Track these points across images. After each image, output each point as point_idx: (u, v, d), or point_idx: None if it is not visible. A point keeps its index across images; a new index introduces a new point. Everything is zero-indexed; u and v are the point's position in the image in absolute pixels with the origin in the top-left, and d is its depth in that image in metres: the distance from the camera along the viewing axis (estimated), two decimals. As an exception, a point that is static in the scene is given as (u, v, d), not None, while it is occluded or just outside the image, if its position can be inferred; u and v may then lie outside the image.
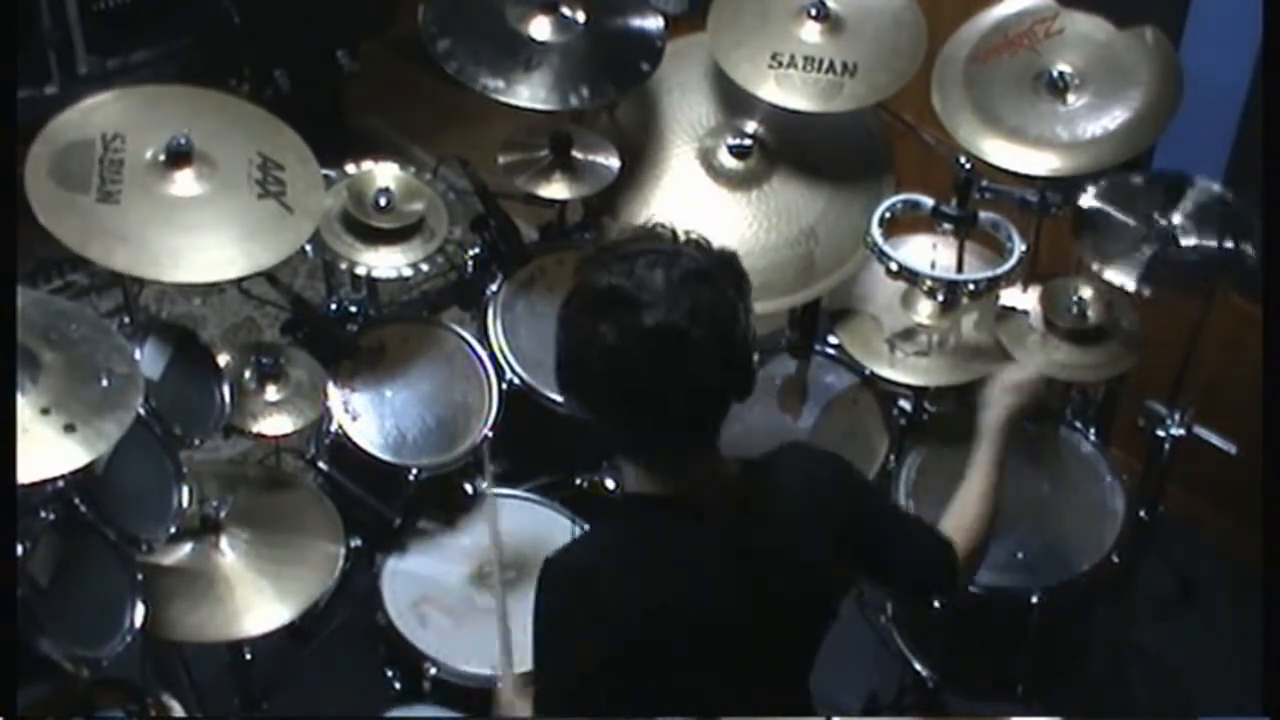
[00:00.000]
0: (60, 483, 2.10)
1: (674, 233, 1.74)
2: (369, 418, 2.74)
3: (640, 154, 2.97)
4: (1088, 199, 2.77)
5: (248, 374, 2.61)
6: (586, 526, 2.75)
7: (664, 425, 1.72)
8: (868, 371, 2.86)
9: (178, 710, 2.27)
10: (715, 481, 1.79)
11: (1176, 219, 2.73)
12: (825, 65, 2.82)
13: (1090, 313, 2.72)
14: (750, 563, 1.78)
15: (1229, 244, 2.70)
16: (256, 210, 2.45)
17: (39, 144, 2.34)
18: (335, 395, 2.71)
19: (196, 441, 2.45)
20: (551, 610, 1.77)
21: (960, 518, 2.04)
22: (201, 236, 2.39)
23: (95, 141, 2.38)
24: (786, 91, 2.81)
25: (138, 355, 2.30)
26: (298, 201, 2.49)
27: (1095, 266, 2.71)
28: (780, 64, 2.83)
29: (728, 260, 1.73)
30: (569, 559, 1.82)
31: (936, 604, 2.66)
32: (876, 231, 2.65)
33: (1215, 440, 2.88)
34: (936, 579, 2.04)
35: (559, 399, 1.79)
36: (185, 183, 2.41)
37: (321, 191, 2.58)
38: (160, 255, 2.34)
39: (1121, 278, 2.68)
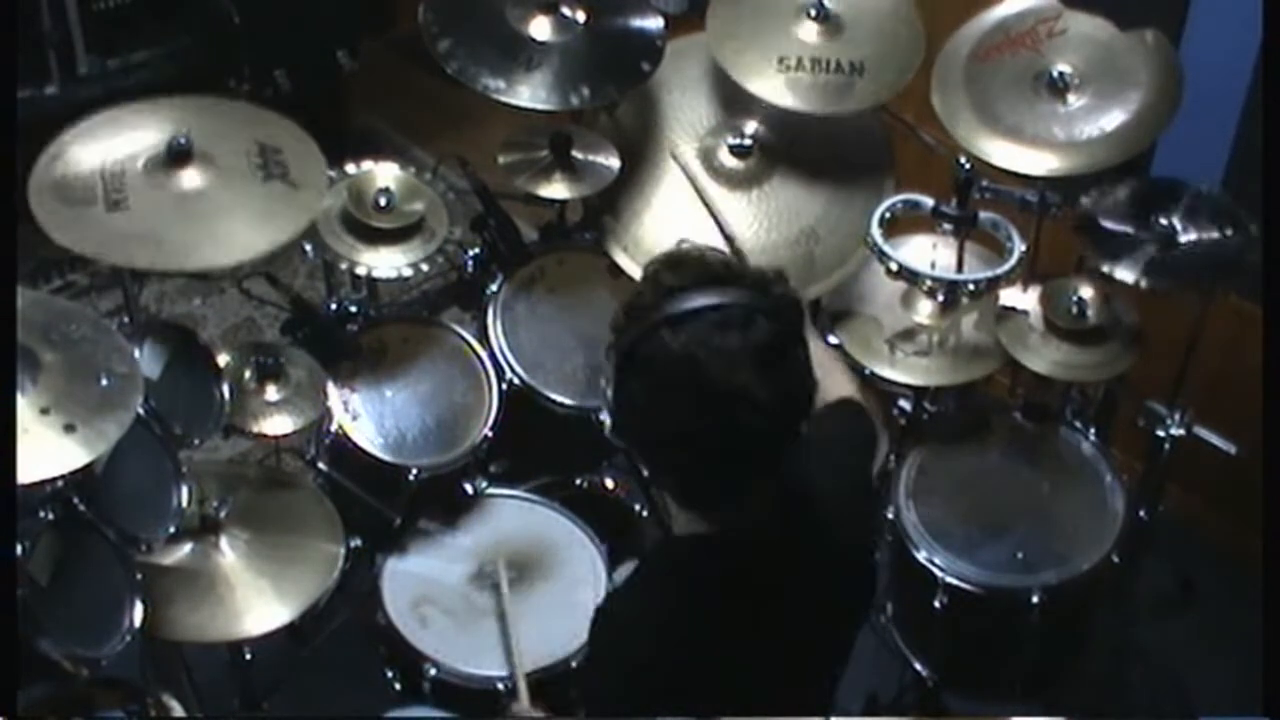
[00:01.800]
0: (60, 483, 2.10)
1: (728, 267, 1.66)
2: (369, 418, 2.74)
3: (640, 154, 2.97)
4: (1087, 204, 2.77)
5: (248, 374, 2.61)
6: (586, 526, 2.75)
7: (748, 474, 1.67)
8: (868, 371, 2.86)
9: (178, 710, 2.27)
10: (764, 511, 1.74)
11: (1175, 219, 2.73)
12: (833, 65, 2.82)
13: (1090, 313, 2.72)
14: (808, 577, 1.76)
15: (1228, 232, 2.71)
16: (264, 192, 2.47)
17: (36, 183, 2.33)
18: (335, 395, 2.71)
19: (196, 441, 2.45)
20: (613, 663, 1.74)
21: (827, 372, 2.01)
22: (215, 224, 2.40)
23: (94, 173, 2.40)
24: (798, 95, 2.81)
25: (138, 355, 2.30)
26: (302, 178, 2.51)
27: (1096, 263, 2.71)
28: (789, 67, 2.82)
29: (790, 302, 1.68)
30: (627, 612, 1.78)
31: (937, 604, 2.66)
32: (876, 231, 2.65)
33: (1215, 440, 2.88)
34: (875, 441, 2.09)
35: (609, 435, 1.73)
36: (186, 178, 2.42)
37: (323, 162, 2.59)
38: (178, 247, 2.36)
39: (1124, 273, 2.67)
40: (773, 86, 2.83)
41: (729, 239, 2.70)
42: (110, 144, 2.44)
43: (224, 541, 2.47)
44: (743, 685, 1.74)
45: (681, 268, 1.65)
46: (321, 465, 2.77)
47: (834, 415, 1.98)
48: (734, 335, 1.58)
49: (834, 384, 2.06)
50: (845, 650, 1.92)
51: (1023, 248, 2.64)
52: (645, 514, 2.86)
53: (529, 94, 2.79)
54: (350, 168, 2.86)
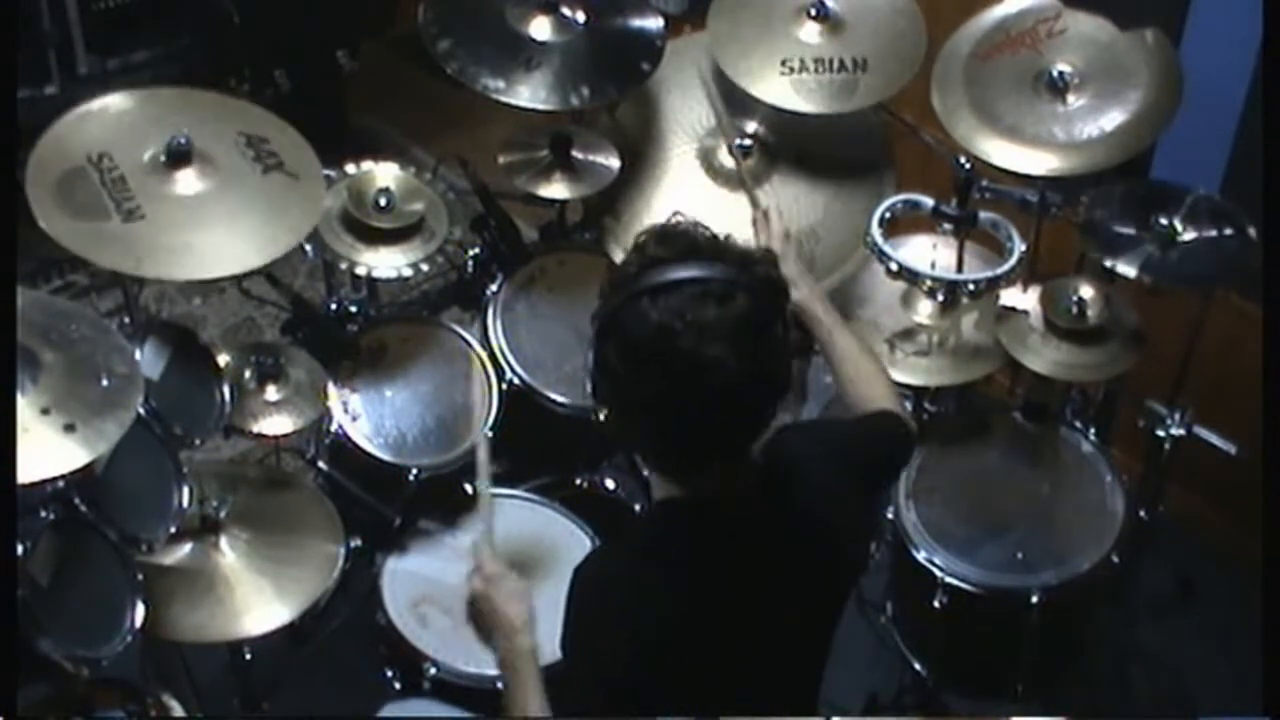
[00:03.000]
0: (60, 483, 2.10)
1: (714, 242, 1.69)
2: (369, 418, 2.74)
3: (640, 154, 2.97)
4: (1087, 201, 2.77)
5: (248, 374, 2.61)
6: (586, 526, 2.75)
7: (719, 443, 1.70)
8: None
9: (178, 710, 2.27)
10: (742, 479, 1.77)
11: (1176, 220, 2.73)
12: (836, 64, 2.82)
13: (1090, 313, 2.72)
14: (785, 550, 1.77)
15: (1227, 232, 2.71)
16: (269, 186, 2.48)
17: (33, 186, 2.31)
18: (335, 395, 2.71)
19: (196, 441, 2.45)
20: (583, 621, 1.75)
21: (866, 381, 2.06)
22: (237, 225, 2.42)
23: (84, 167, 2.38)
24: (804, 97, 2.81)
25: (138, 355, 2.30)
26: (297, 166, 2.52)
27: (1098, 257, 2.71)
28: (792, 69, 2.82)
29: (771, 282, 1.69)
30: (600, 569, 1.80)
31: (937, 604, 2.66)
32: (876, 231, 2.66)
33: (1215, 440, 2.88)
34: (906, 452, 2.10)
35: (594, 408, 1.73)
36: (193, 180, 2.43)
37: (309, 148, 2.59)
38: (213, 255, 2.38)
39: (1125, 268, 2.67)
40: (778, 90, 2.82)
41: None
42: (90, 139, 2.43)
43: (224, 541, 2.47)
44: (709, 647, 1.74)
45: (668, 241, 1.68)
46: (321, 465, 2.77)
47: (867, 419, 2.00)
48: (711, 308, 1.60)
49: (876, 395, 2.05)
50: (821, 632, 1.90)
51: (1023, 248, 2.64)
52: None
53: (529, 94, 2.79)
54: (350, 168, 2.86)
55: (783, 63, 2.84)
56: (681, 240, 1.68)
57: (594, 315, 1.68)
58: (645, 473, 1.84)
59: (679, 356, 1.59)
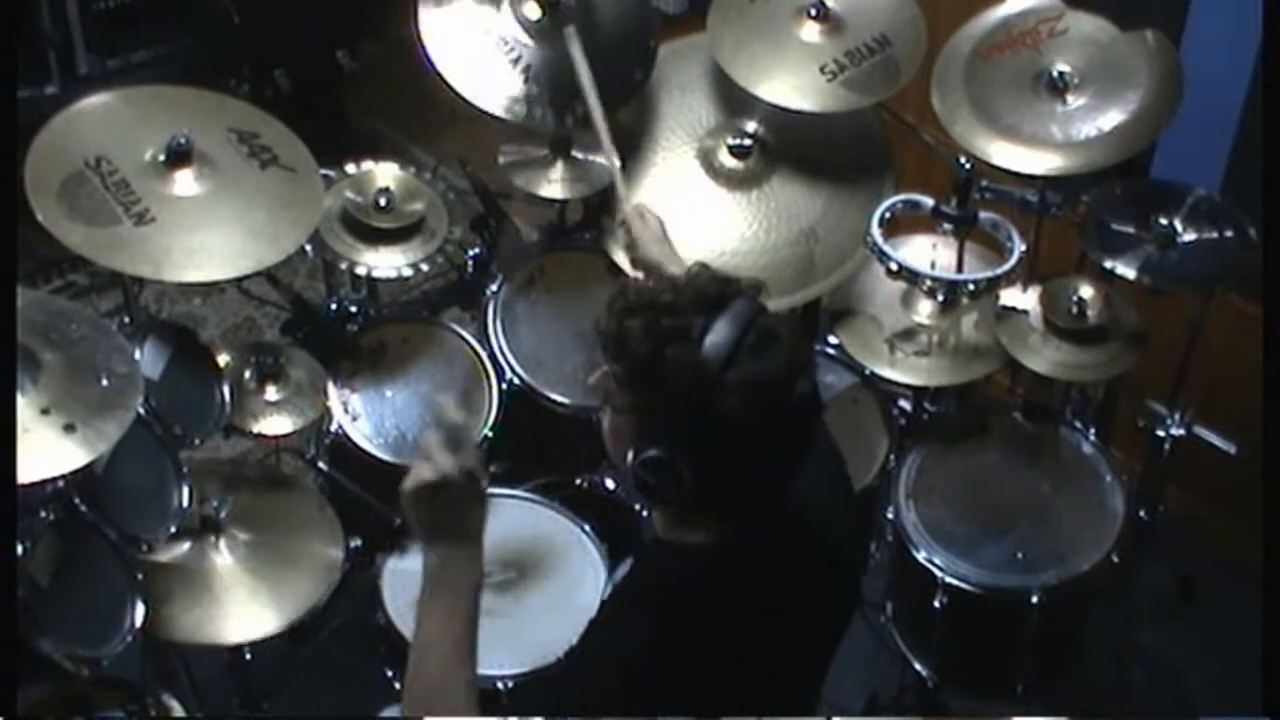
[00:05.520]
0: (60, 483, 2.10)
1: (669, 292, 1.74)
2: (369, 418, 2.74)
3: (640, 154, 2.97)
4: (1088, 202, 2.77)
5: (248, 374, 2.61)
6: (586, 526, 2.75)
7: (791, 469, 1.71)
8: (868, 371, 2.86)
9: (178, 710, 2.27)
10: (756, 523, 1.75)
11: (1176, 220, 2.73)
12: (865, 50, 2.82)
13: (1090, 313, 2.72)
14: (805, 581, 1.77)
15: (1227, 232, 2.72)
16: (269, 181, 2.48)
17: (36, 195, 2.30)
18: (335, 395, 2.71)
19: (196, 441, 2.45)
20: (599, 668, 1.77)
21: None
22: (249, 223, 2.42)
23: (84, 172, 2.37)
24: (858, 91, 2.79)
25: (138, 355, 2.30)
26: (292, 160, 2.52)
27: (1097, 258, 2.71)
28: (834, 73, 2.81)
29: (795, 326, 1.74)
30: (617, 620, 1.80)
31: (937, 604, 2.66)
32: (876, 231, 2.65)
33: (1215, 440, 2.88)
34: None
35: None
36: (192, 179, 2.43)
37: (298, 140, 2.59)
38: (231, 255, 2.39)
39: (1125, 269, 2.68)
40: (834, 96, 2.79)
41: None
42: (80, 143, 2.42)
43: (223, 542, 2.47)
44: (727, 692, 1.74)
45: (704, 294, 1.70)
46: (321, 465, 2.77)
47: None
48: (737, 320, 1.63)
49: None
50: (827, 662, 1.92)
51: (1023, 248, 2.64)
52: (645, 514, 2.86)
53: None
54: (350, 168, 2.86)
55: (821, 70, 2.82)
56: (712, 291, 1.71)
57: (669, 438, 1.64)
58: (655, 522, 1.82)
59: (789, 364, 1.62)
